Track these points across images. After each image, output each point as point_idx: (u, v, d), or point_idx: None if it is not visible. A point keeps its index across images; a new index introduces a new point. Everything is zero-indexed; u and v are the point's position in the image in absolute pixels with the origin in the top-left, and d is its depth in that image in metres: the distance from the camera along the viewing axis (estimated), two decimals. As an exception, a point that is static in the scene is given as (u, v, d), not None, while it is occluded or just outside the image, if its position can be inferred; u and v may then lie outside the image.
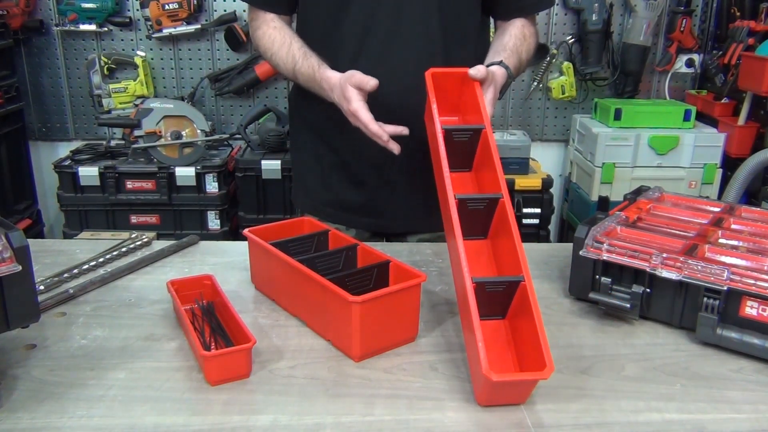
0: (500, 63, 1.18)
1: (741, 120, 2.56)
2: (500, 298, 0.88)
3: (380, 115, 1.18)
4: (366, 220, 1.39)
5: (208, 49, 2.84)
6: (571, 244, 1.06)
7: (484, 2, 1.28)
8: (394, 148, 1.14)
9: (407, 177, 1.31)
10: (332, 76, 1.17)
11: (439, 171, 1.00)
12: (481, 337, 0.77)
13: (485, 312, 0.82)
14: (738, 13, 2.64)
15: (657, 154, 2.61)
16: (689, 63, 2.90)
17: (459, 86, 1.10)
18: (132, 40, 2.83)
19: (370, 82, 1.11)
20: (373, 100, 1.14)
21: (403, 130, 1.15)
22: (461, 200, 0.93)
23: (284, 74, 1.30)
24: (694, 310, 0.94)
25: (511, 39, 1.26)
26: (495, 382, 0.75)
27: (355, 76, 1.12)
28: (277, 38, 1.27)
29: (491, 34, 1.36)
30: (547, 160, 2.99)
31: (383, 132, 1.12)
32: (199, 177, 2.61)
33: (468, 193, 0.97)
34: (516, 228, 0.90)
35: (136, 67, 2.77)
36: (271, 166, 2.62)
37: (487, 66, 1.16)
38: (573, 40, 2.85)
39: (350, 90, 1.12)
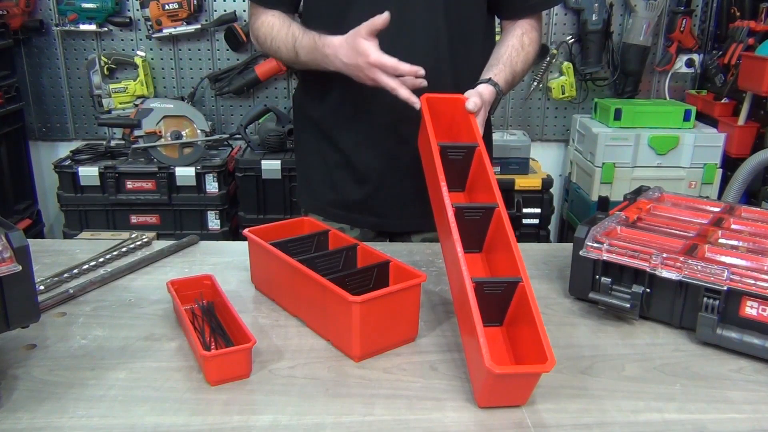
0: (489, 81, 1.18)
1: (741, 120, 2.56)
2: (498, 302, 0.88)
3: (384, 116, 1.19)
4: (371, 219, 1.39)
5: (208, 49, 2.84)
6: (571, 244, 1.06)
7: (490, 2, 1.28)
8: (416, 102, 1.10)
9: (411, 175, 1.31)
10: (334, 38, 1.14)
11: (434, 185, 1.01)
12: (483, 332, 0.77)
13: (483, 319, 0.82)
14: (738, 13, 2.64)
15: (657, 154, 2.61)
16: (689, 63, 2.90)
17: (452, 110, 1.11)
18: (132, 40, 2.83)
19: (379, 19, 1.05)
20: (377, 101, 1.14)
21: (419, 69, 1.10)
22: (458, 209, 0.94)
23: (284, 58, 1.27)
24: (694, 310, 0.94)
25: (508, 50, 1.26)
26: (497, 376, 0.75)
27: (361, 27, 1.08)
28: (277, 23, 1.26)
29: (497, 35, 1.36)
30: (547, 160, 2.99)
31: (418, 67, 1.08)
32: (199, 177, 2.61)
33: (464, 203, 0.99)
34: (513, 235, 0.91)
35: (136, 67, 2.77)
36: (271, 166, 2.62)
37: (479, 83, 1.17)
38: (573, 40, 2.85)
39: (363, 42, 1.08)
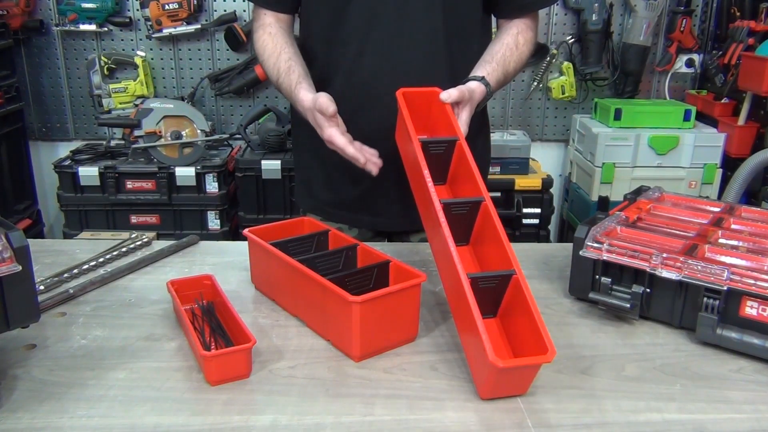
0: (482, 79, 1.18)
1: (741, 120, 2.56)
2: (491, 296, 0.89)
3: (383, 114, 1.18)
4: (367, 218, 1.39)
5: (208, 49, 2.84)
6: (571, 244, 1.06)
7: (487, 0, 1.28)
8: (373, 169, 1.15)
9: (407, 174, 1.31)
10: (305, 98, 1.16)
11: (419, 181, 1.01)
12: (484, 328, 0.78)
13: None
14: (738, 13, 2.64)
15: (657, 154, 2.61)
16: (689, 63, 2.90)
17: (428, 105, 1.11)
18: (132, 40, 2.83)
19: (329, 109, 1.09)
20: (376, 99, 1.13)
21: (376, 156, 1.16)
22: (446, 204, 0.94)
23: (272, 81, 1.29)
24: (694, 310, 0.94)
25: (502, 48, 1.26)
26: (501, 369, 0.75)
27: (318, 100, 1.11)
28: (269, 46, 1.26)
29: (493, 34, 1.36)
30: (547, 160, 2.99)
31: (360, 155, 1.12)
32: (199, 177, 2.61)
33: (450, 197, 0.98)
34: (502, 228, 0.92)
35: (136, 67, 2.77)
36: (271, 166, 2.62)
37: (470, 79, 1.17)
38: (573, 40, 2.85)
39: (318, 117, 1.12)
